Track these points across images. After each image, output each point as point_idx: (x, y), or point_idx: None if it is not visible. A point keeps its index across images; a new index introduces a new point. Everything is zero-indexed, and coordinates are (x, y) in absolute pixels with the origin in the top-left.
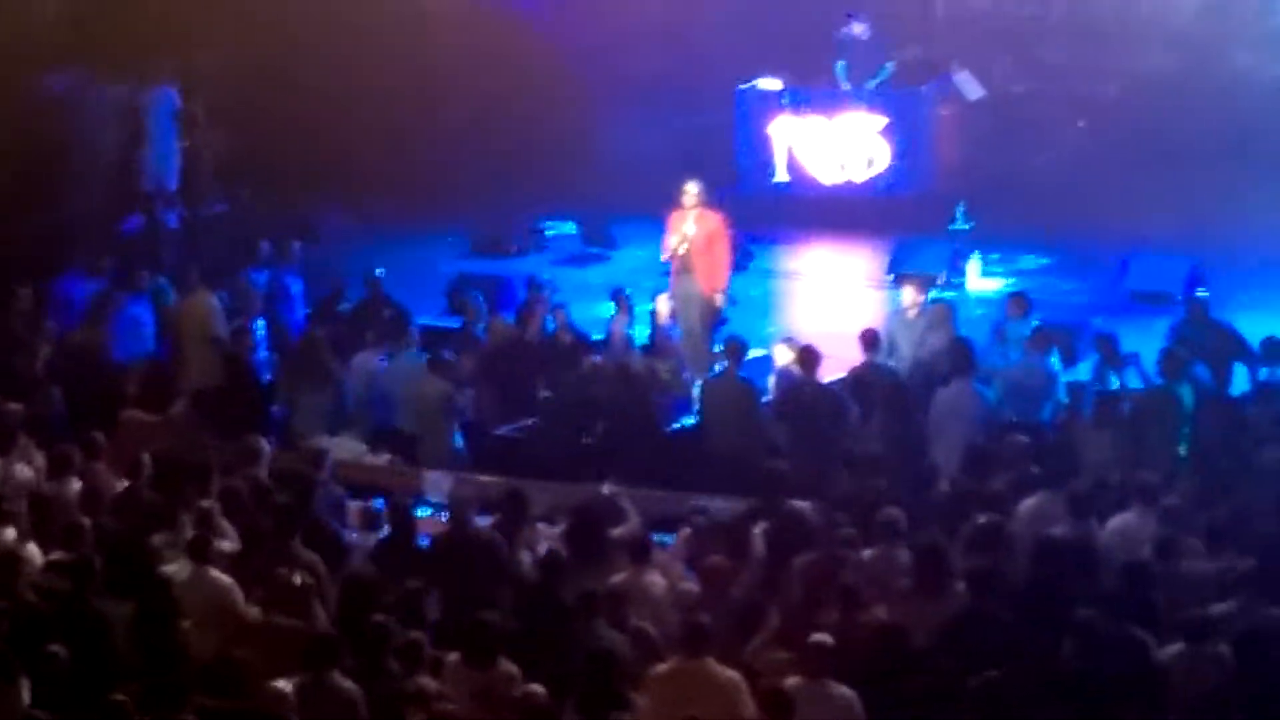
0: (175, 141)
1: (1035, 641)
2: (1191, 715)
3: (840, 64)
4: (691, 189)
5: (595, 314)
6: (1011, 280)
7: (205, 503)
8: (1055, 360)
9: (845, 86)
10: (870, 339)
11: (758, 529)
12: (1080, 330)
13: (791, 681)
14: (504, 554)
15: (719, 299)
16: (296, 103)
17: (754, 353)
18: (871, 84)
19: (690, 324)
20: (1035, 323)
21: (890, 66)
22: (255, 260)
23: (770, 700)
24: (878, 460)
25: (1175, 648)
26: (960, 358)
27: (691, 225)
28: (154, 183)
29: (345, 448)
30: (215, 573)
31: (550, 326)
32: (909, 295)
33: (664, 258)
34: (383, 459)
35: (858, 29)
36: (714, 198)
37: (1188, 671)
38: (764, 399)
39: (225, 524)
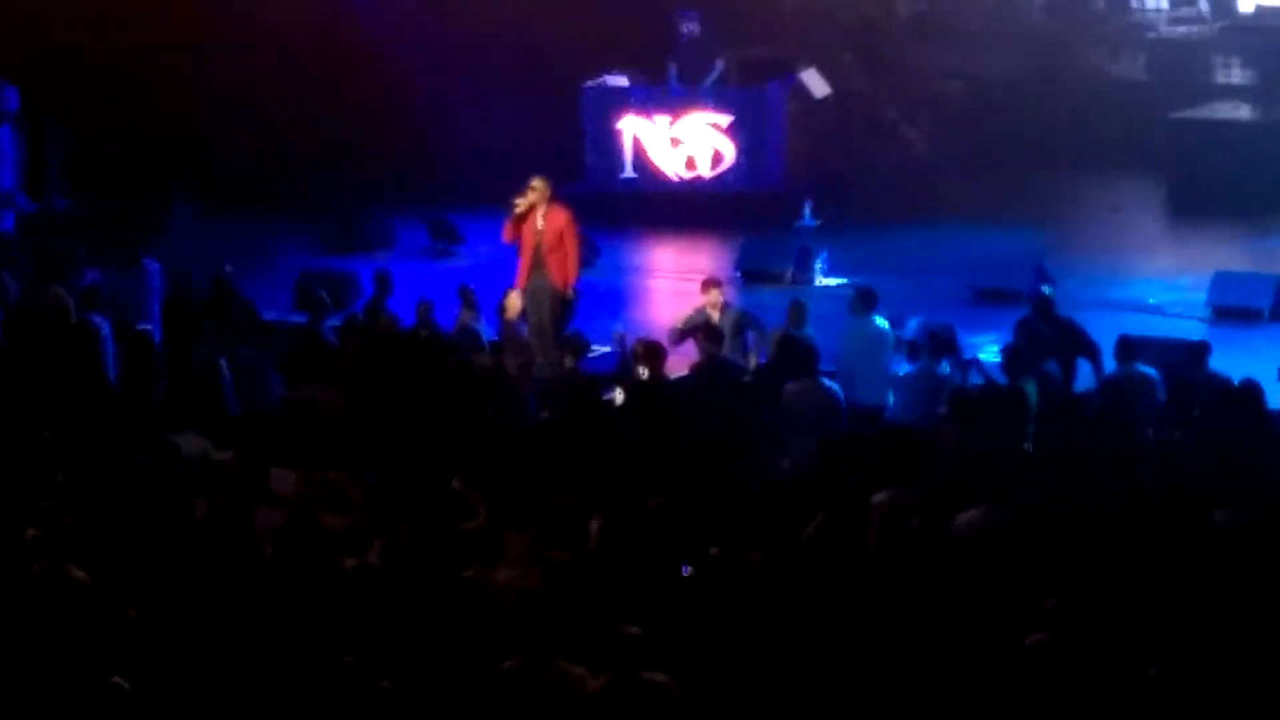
0: (12, 139)
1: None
2: None
3: (671, 67)
4: (538, 184)
5: (442, 310)
6: (855, 278)
7: None
8: (946, 365)
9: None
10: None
11: (595, 524)
12: (924, 328)
13: None
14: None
15: (570, 294)
16: (141, 98)
17: (600, 349)
18: (707, 83)
19: (540, 320)
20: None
21: (720, 66)
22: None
23: None
24: (722, 454)
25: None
26: (804, 355)
27: (540, 220)
28: None
29: (191, 443)
30: None
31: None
32: (716, 293)
33: (506, 238)
34: (227, 454)
35: (686, 29)
36: (561, 194)
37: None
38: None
39: None
